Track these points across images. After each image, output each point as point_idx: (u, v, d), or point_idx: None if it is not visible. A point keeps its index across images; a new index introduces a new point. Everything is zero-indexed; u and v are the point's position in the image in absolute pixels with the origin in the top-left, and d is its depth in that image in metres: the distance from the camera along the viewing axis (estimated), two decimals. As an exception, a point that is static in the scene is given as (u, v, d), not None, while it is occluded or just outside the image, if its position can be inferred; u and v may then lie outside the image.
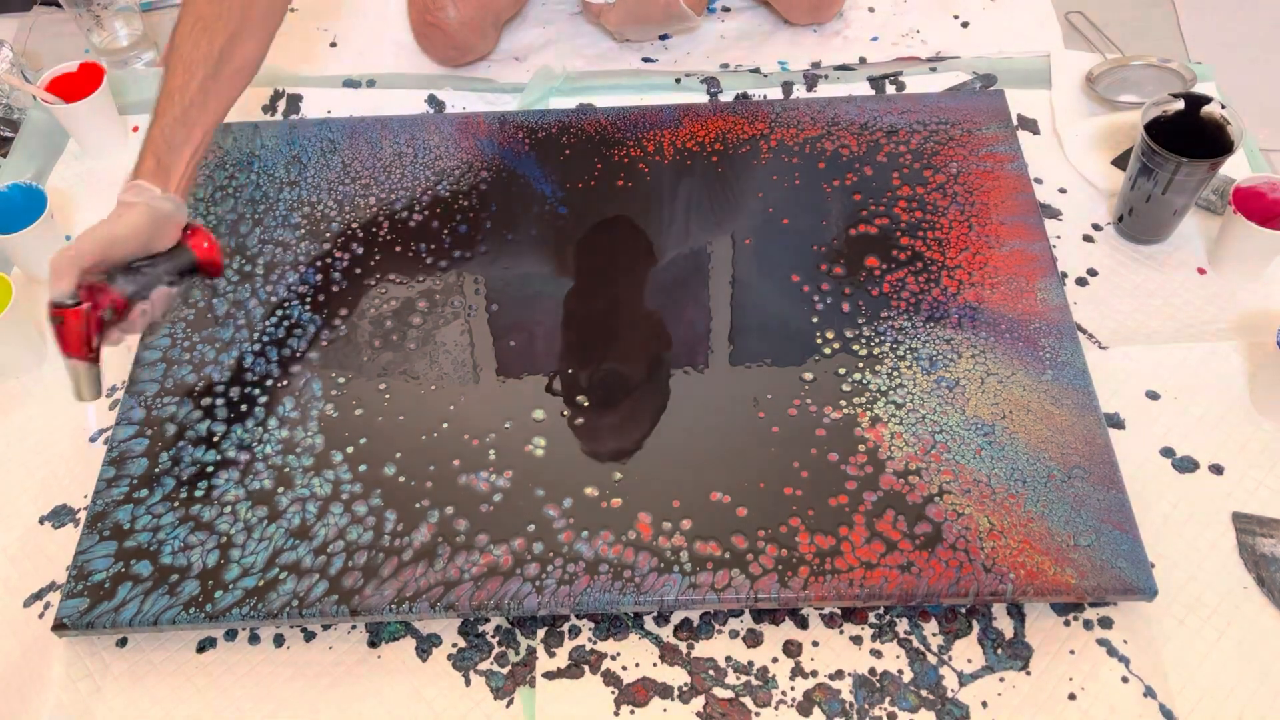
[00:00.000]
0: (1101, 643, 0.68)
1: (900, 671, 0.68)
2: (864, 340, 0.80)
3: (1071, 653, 0.68)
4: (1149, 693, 0.66)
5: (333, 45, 1.13)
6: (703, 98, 1.04)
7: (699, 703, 0.67)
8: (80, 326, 0.68)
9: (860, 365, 0.78)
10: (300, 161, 0.95)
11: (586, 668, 0.69)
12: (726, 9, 1.14)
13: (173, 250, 0.74)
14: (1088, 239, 0.90)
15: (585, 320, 0.83)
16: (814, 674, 0.68)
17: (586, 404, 0.77)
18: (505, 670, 0.69)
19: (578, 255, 0.87)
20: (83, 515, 0.77)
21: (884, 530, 0.70)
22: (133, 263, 0.71)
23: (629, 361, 0.81)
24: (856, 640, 0.69)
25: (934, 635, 0.69)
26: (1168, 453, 0.77)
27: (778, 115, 0.95)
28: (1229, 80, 1.03)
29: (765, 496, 0.72)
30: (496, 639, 0.70)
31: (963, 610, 0.70)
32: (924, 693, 0.67)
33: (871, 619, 0.70)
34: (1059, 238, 0.90)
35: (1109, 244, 0.89)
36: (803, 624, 0.70)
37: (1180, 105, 0.84)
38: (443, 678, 0.69)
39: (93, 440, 0.81)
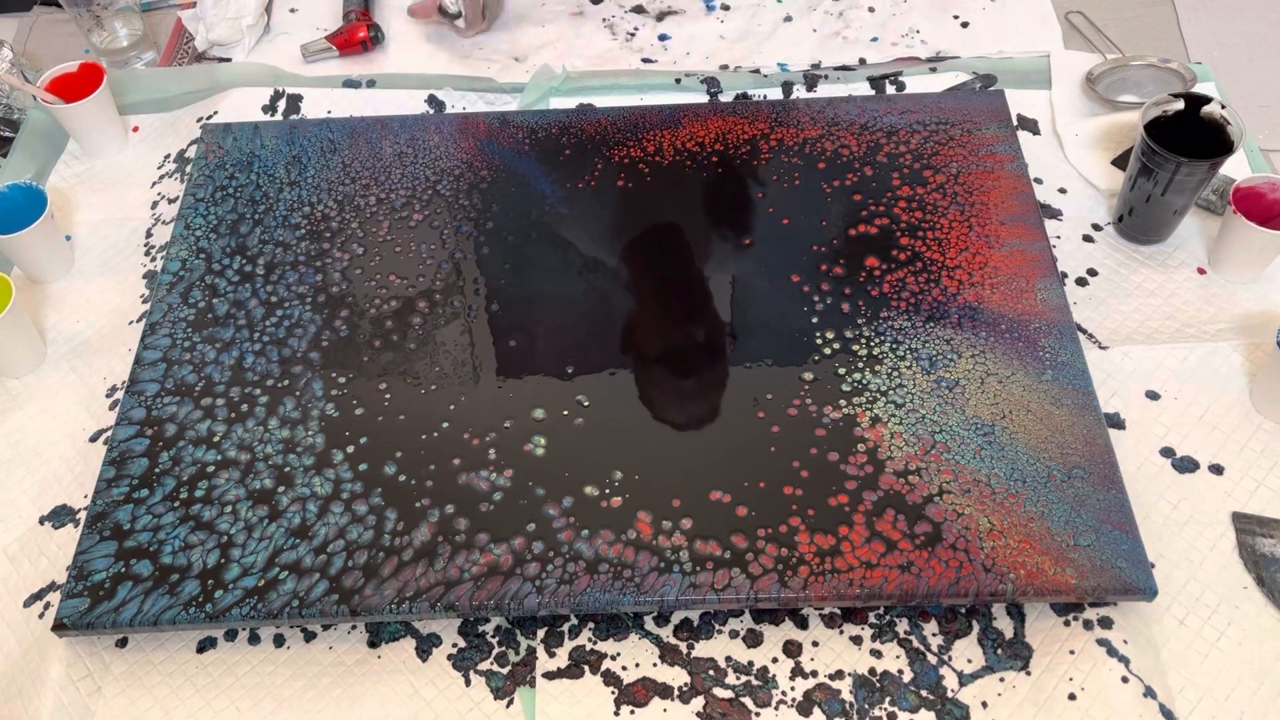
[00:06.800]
0: (1101, 643, 0.68)
1: (900, 671, 0.68)
2: (864, 340, 0.80)
3: (1071, 653, 0.68)
4: (1149, 693, 0.66)
5: (333, 45, 1.13)
6: (703, 98, 1.04)
7: (699, 703, 0.67)
8: None
9: (860, 365, 0.78)
10: (300, 161, 0.95)
11: (586, 668, 0.69)
12: (726, 8, 1.14)
13: None
14: (1088, 239, 0.90)
15: (596, 319, 0.83)
16: (814, 674, 0.68)
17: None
18: (505, 670, 0.69)
19: (580, 256, 0.87)
20: (83, 515, 0.77)
21: (884, 530, 0.70)
22: None
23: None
24: (856, 640, 0.69)
25: (934, 635, 0.69)
26: (1168, 453, 0.77)
27: (778, 115, 0.95)
28: (1229, 80, 1.03)
29: (765, 496, 0.72)
30: (496, 639, 0.70)
31: (963, 610, 0.70)
32: (924, 693, 0.67)
33: (871, 619, 0.70)
34: (1059, 238, 0.90)
35: (1109, 244, 0.89)
36: (803, 624, 0.70)
37: (1180, 105, 0.84)
38: (443, 678, 0.69)
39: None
